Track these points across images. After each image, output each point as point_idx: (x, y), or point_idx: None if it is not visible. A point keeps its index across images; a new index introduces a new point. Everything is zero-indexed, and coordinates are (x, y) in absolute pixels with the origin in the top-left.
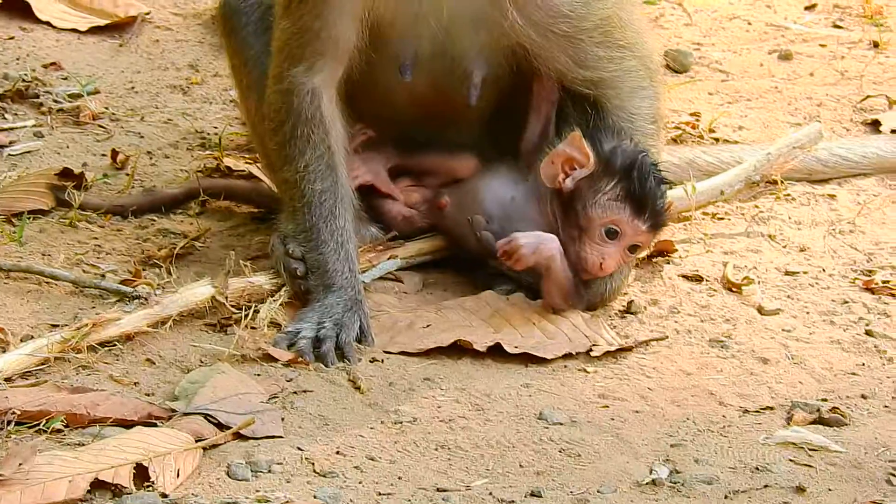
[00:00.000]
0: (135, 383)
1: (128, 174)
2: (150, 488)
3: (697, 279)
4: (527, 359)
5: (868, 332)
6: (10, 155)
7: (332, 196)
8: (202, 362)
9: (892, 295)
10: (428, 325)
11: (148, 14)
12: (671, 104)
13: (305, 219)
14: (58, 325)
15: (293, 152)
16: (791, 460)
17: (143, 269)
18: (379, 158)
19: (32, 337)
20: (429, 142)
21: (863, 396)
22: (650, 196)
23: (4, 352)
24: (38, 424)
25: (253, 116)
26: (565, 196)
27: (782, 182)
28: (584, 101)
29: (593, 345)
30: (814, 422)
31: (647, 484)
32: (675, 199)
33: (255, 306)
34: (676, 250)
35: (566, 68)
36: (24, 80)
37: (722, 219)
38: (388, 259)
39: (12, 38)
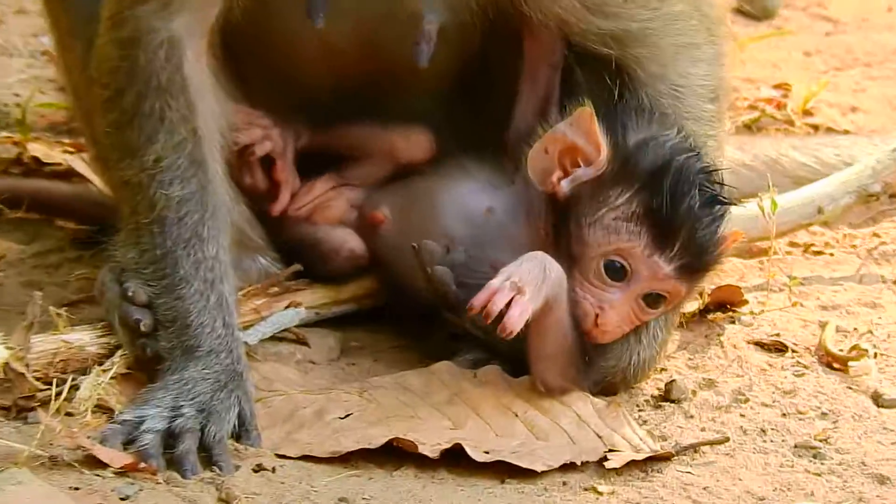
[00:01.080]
0: None
1: None
2: None
3: (779, 349)
4: (504, 471)
5: None
6: None
7: (199, 207)
8: None
9: None
10: (348, 415)
11: None
12: (744, 70)
13: (155, 242)
14: None
15: (138, 138)
16: None
17: None
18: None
19: None
20: (353, 122)
21: None
22: (686, 219)
23: None
24: None
25: (76, 79)
26: (559, 205)
27: None
28: (603, 68)
29: (610, 450)
30: None
31: None
32: (747, 220)
33: (74, 379)
34: (746, 302)
35: (575, 15)
36: None
37: (820, 253)
38: (287, 308)
39: None
